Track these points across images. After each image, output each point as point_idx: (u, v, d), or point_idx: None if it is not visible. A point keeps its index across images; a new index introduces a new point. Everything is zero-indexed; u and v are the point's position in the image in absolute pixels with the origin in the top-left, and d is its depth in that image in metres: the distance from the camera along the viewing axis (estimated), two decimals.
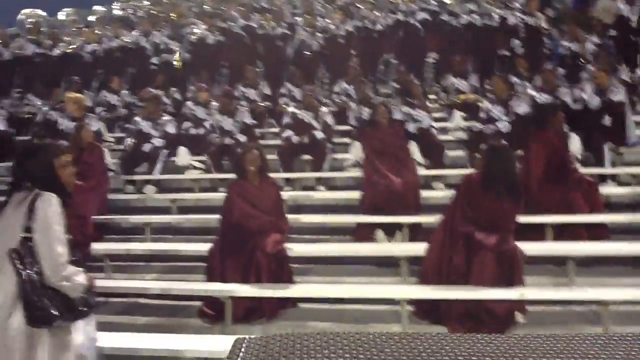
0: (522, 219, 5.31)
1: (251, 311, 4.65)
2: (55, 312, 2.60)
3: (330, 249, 5.47)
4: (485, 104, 7.51)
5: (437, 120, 8.44)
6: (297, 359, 0.91)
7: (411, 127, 7.37)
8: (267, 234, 4.87)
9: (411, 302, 4.58)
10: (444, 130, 8.31)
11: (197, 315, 4.78)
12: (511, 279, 4.24)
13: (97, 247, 5.66)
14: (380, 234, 5.84)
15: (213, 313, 4.69)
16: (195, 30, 11.22)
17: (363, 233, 5.95)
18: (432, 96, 9.92)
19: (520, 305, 4.34)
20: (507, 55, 9.86)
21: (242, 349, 0.94)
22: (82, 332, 2.97)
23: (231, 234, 4.95)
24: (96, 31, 12.05)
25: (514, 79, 8.77)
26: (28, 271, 2.60)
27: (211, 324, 4.65)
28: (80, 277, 2.73)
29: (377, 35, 10.69)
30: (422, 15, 10.56)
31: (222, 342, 3.66)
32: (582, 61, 8.77)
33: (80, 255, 2.94)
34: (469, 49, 10.06)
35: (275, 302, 4.73)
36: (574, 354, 0.95)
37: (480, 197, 4.46)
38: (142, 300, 5.22)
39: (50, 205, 2.69)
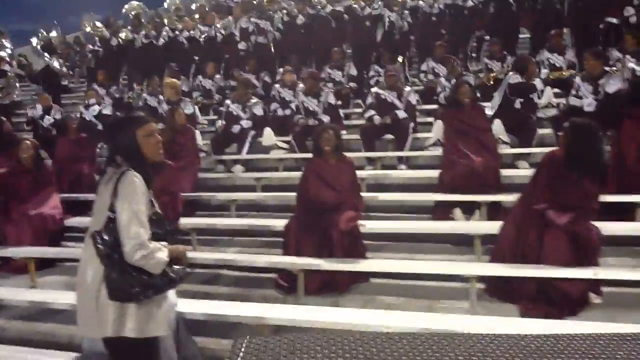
0: (610, 198, 5.08)
1: (324, 284, 4.80)
2: (135, 290, 2.67)
3: (402, 226, 5.50)
4: (577, 81, 7.12)
5: None
6: (297, 359, 0.91)
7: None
8: (341, 211, 4.97)
9: (483, 280, 4.53)
10: None
11: (273, 286, 5.01)
12: (585, 259, 4.06)
13: (185, 221, 6.06)
14: (457, 212, 5.78)
15: (287, 285, 4.90)
16: (285, 13, 11.47)
17: (441, 212, 5.92)
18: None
19: (594, 285, 4.15)
20: (617, 25, 9.23)
21: (242, 349, 0.94)
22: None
23: (306, 210, 5.13)
24: (196, 17, 12.67)
25: (616, 54, 8.24)
26: (110, 251, 2.67)
27: (285, 295, 4.85)
28: (161, 254, 2.73)
29: (467, 12, 10.39)
30: None
31: (294, 311, 3.92)
32: None
33: (165, 230, 2.93)
34: (568, 21, 9.53)
35: (348, 277, 4.85)
36: (575, 354, 0.95)
37: (562, 176, 4.28)
38: (224, 272, 5.53)
39: (131, 185, 2.70)
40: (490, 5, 10.24)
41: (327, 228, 4.89)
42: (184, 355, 3.46)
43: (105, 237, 2.68)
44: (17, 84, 12.63)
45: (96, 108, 9.47)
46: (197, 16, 13.26)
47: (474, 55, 10.40)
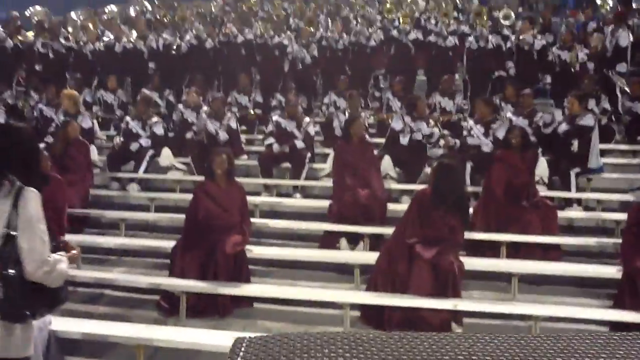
0: (477, 235, 5.59)
1: (206, 307, 4.89)
2: (28, 313, 2.64)
3: (288, 253, 5.72)
4: (470, 123, 7.71)
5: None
6: (297, 359, 0.90)
7: (404, 139, 7.56)
8: (228, 235, 5.11)
9: (358, 307, 4.81)
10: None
11: (155, 307, 5.03)
12: (446, 290, 4.45)
13: (72, 238, 5.91)
14: (343, 242, 6.08)
15: (168, 307, 4.94)
16: (194, 34, 11.53)
17: (329, 241, 6.19)
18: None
19: (456, 316, 4.55)
20: (501, 77, 10.13)
21: (242, 349, 0.93)
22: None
23: (194, 232, 5.22)
24: (98, 29, 12.42)
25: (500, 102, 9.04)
26: (9, 270, 2.58)
27: (166, 316, 4.89)
28: (62, 265, 2.71)
29: (369, 50, 10.97)
30: (413, 35, 10.87)
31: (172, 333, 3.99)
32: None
33: (54, 245, 2.82)
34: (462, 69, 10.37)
35: (230, 301, 4.98)
36: (574, 353, 0.94)
37: (429, 212, 4.69)
38: (107, 291, 5.47)
39: (33, 203, 2.64)
40: (391, 47, 10.87)
41: (213, 250, 5.00)
42: None
43: (5, 252, 2.61)
44: None
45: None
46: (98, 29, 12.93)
47: (374, 93, 10.94)
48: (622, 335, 1.00)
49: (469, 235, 5.71)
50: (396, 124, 7.75)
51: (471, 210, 6.01)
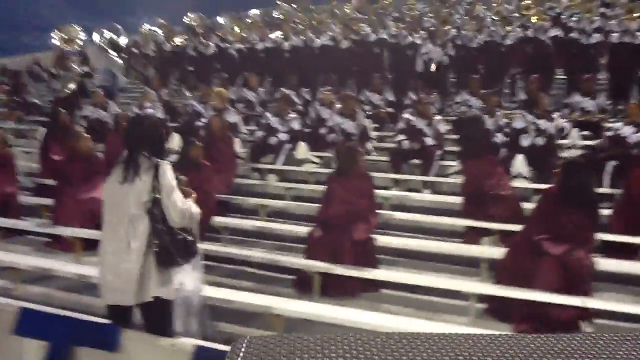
0: (613, 237, 5.41)
1: (335, 288, 5.25)
2: (178, 258, 3.41)
3: (412, 243, 5.92)
4: (615, 125, 7.42)
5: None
6: (297, 359, 0.89)
7: (526, 141, 7.47)
8: (356, 222, 5.44)
9: (484, 300, 4.90)
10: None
11: (290, 285, 5.49)
12: (575, 288, 4.40)
13: (218, 220, 6.60)
14: (485, 240, 6.12)
15: (302, 286, 5.37)
16: (329, 35, 12.04)
17: (470, 237, 6.26)
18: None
19: (585, 314, 4.48)
20: None
21: (243, 349, 0.91)
22: (191, 280, 3.84)
23: (326, 219, 5.61)
24: (243, 33, 13.37)
25: None
26: (159, 225, 3.37)
27: (300, 294, 5.31)
28: (194, 208, 3.50)
29: (504, 49, 10.78)
30: (553, 32, 10.49)
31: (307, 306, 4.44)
32: None
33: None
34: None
35: (358, 284, 5.29)
36: (574, 354, 0.92)
37: (557, 210, 4.66)
38: (247, 269, 6.03)
39: (169, 173, 3.43)
40: (528, 45, 10.59)
41: (342, 237, 5.35)
42: (201, 332, 4.02)
43: (156, 212, 3.33)
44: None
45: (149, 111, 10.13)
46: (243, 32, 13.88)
47: (507, 91, 10.74)
48: (623, 336, 0.96)
49: (605, 236, 5.57)
50: (517, 123, 7.65)
51: (610, 211, 5.85)
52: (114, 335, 2.75)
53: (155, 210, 3.38)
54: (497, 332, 1.02)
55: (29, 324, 2.87)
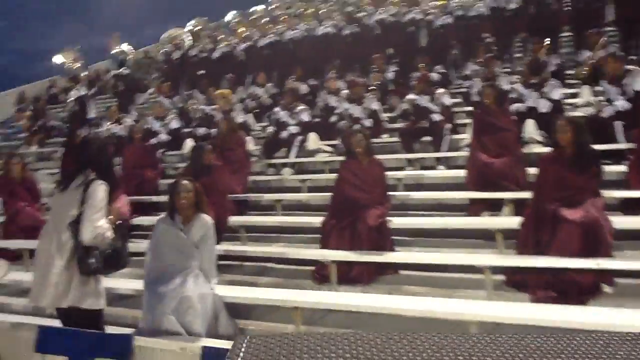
0: (631, 193, 5.36)
1: (354, 274, 5.32)
2: (96, 266, 3.48)
3: (424, 222, 5.93)
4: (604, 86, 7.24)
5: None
6: (297, 359, 0.91)
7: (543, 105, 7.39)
8: (370, 208, 5.49)
9: (502, 271, 4.91)
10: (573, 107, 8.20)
11: (310, 277, 5.58)
12: (596, 252, 4.34)
13: (235, 219, 6.72)
14: (485, 213, 6.12)
15: (321, 276, 5.45)
16: (331, 25, 12.02)
17: (473, 210, 6.28)
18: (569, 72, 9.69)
19: (606, 276, 4.45)
20: None
21: (242, 348, 0.94)
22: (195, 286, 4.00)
23: (340, 207, 5.67)
24: (247, 31, 13.44)
25: None
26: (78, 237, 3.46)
27: (319, 284, 5.41)
28: (109, 232, 3.49)
29: (508, 14, 10.62)
30: None
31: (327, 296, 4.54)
32: None
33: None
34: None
35: (376, 268, 5.36)
36: (575, 354, 0.94)
37: (564, 173, 4.63)
38: (268, 264, 6.15)
39: (99, 192, 3.49)
40: (530, 7, 10.43)
41: (358, 223, 5.41)
42: (222, 332, 4.14)
43: (77, 225, 3.47)
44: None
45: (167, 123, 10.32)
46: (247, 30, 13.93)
47: (515, 56, 10.59)
48: (623, 335, 0.98)
49: (623, 193, 5.51)
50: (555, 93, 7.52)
51: (625, 167, 5.77)
52: (126, 343, 2.90)
53: (79, 223, 3.48)
54: (497, 333, 1.05)
55: (48, 340, 3.06)
